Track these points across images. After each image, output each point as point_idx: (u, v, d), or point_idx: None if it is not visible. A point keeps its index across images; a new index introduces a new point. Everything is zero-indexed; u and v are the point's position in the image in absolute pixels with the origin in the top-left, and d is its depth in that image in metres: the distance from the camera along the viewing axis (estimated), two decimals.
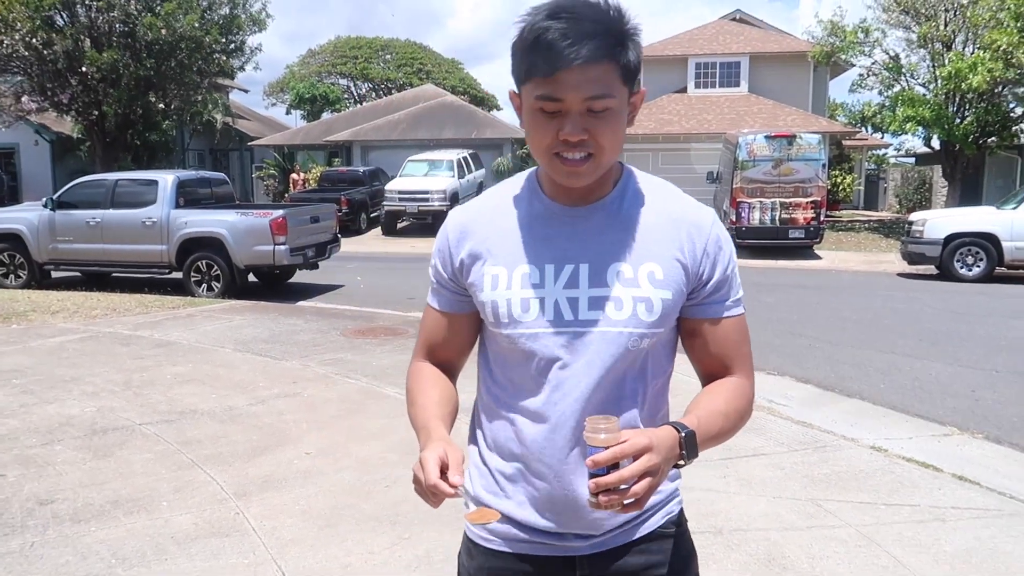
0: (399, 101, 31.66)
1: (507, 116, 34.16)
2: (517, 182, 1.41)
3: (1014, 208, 12.63)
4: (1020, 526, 3.59)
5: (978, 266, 12.56)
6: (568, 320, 1.29)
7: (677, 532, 1.41)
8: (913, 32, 19.21)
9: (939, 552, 3.32)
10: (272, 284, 11.77)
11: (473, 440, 1.46)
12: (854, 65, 21.51)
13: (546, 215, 1.35)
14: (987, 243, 12.49)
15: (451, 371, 1.47)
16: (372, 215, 21.63)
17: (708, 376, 1.38)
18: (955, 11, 18.76)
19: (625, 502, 1.12)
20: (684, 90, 24.77)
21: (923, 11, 19.04)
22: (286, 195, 23.49)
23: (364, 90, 46.91)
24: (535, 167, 1.40)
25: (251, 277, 11.25)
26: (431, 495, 1.19)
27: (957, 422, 5.31)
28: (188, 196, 11.13)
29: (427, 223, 19.90)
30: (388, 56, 46.34)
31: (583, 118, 1.22)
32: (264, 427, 4.92)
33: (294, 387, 5.86)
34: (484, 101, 44.34)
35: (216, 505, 3.75)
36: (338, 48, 45.61)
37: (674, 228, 1.33)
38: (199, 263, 10.65)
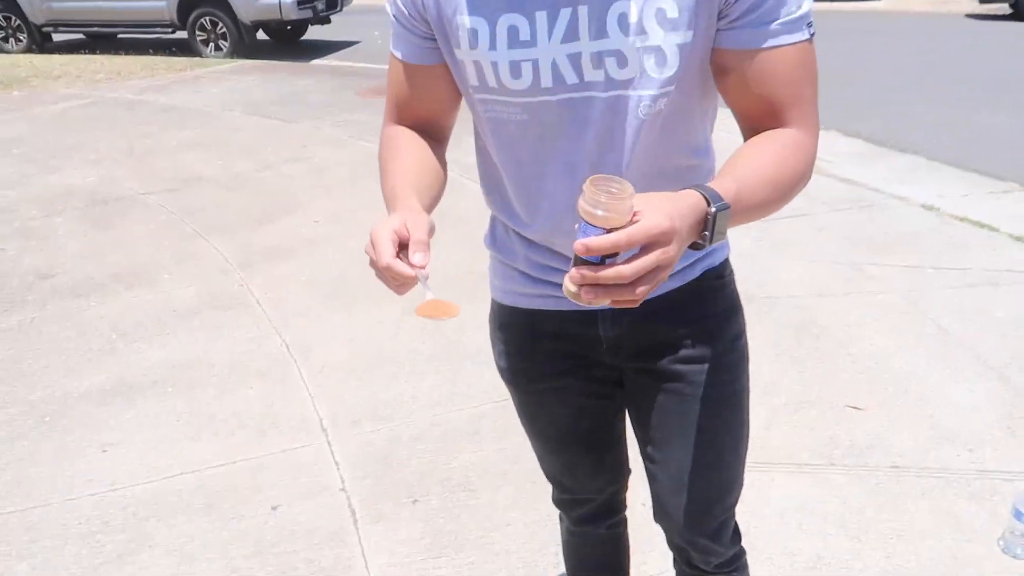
0: None
1: None
2: None
3: None
4: None
5: None
6: (572, 84, 0.97)
7: (718, 285, 1.16)
8: None
9: (989, 319, 3.07)
10: (284, 42, 11.05)
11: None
12: None
13: None
14: None
15: (434, 132, 1.14)
16: None
17: (751, 128, 1.01)
18: None
19: (618, 297, 0.80)
20: None
21: None
22: None
23: None
24: None
25: (261, 35, 10.53)
26: (391, 280, 0.90)
27: (1019, 177, 4.85)
28: None
29: None
30: None
31: None
32: (271, 194, 4.68)
33: (304, 151, 5.54)
34: None
35: (219, 277, 3.60)
36: None
37: None
38: (203, 20, 9.91)
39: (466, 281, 3.33)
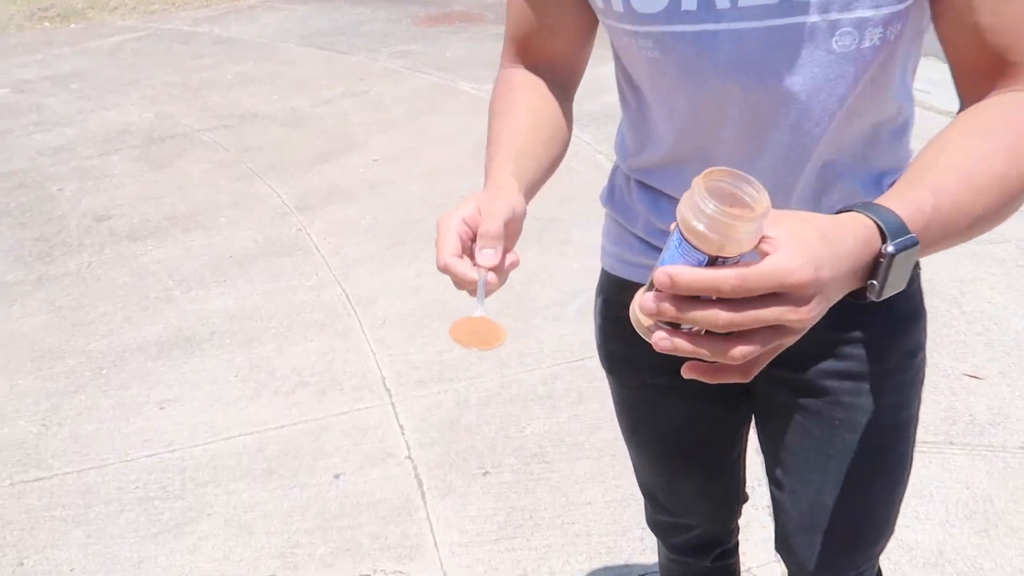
0: None
1: None
2: None
3: None
4: None
5: None
6: (722, 8, 0.71)
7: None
8: None
9: None
10: None
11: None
12: None
13: None
14: None
15: (559, 76, 0.89)
16: None
17: (971, 88, 0.71)
18: None
19: (705, 355, 0.53)
20: None
21: None
22: None
23: None
24: None
25: None
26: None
27: None
28: None
29: None
30: None
31: None
32: (328, 131, 4.48)
33: (361, 84, 5.31)
34: None
35: (277, 220, 3.45)
36: None
37: None
38: None
39: (531, 226, 3.10)
